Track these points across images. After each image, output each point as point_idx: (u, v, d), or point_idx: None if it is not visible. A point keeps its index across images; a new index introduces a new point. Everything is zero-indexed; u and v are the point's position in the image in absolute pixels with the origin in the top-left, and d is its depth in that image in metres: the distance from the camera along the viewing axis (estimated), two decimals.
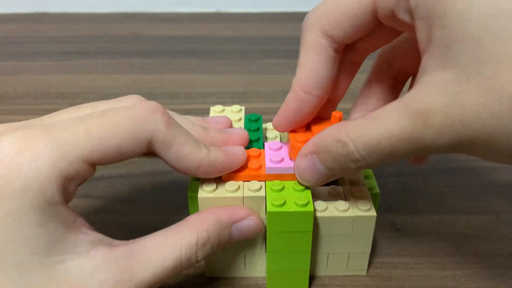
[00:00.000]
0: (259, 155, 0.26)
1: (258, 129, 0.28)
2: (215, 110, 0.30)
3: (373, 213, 0.24)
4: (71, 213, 0.20)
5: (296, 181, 0.24)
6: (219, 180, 0.24)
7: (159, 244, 0.21)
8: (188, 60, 0.56)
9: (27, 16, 0.71)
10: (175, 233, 0.22)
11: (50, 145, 0.19)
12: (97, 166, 0.21)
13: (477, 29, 0.16)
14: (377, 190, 0.26)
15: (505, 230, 0.30)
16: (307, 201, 0.23)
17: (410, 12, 0.19)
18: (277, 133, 0.29)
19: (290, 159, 0.25)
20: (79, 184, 0.21)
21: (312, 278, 0.27)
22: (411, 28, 0.19)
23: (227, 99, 0.47)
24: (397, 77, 0.26)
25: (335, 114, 0.24)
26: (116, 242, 0.21)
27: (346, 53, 0.24)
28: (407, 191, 0.34)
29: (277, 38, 0.63)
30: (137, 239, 0.22)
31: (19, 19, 0.69)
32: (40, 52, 0.58)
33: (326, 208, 0.24)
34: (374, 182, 0.27)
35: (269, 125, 0.30)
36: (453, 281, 0.27)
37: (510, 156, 0.17)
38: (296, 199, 0.23)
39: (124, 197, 0.33)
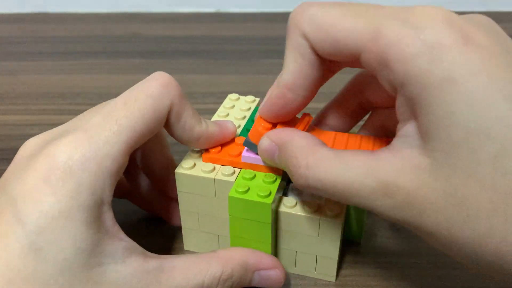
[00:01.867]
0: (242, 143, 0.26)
1: None
2: (231, 98, 0.32)
3: (340, 219, 0.24)
4: (112, 216, 0.22)
5: (268, 174, 0.25)
6: (199, 160, 0.26)
7: (187, 267, 0.23)
8: (188, 60, 0.56)
9: (27, 16, 0.71)
10: (203, 262, 0.23)
11: (94, 146, 0.21)
12: None
13: (458, 138, 0.17)
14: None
15: None
16: (268, 192, 0.24)
17: (391, 84, 0.19)
18: None
19: (250, 140, 0.25)
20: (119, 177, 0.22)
21: None
22: (392, 90, 0.19)
23: None
24: (363, 104, 0.27)
25: (305, 117, 0.26)
26: (149, 254, 0.23)
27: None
28: None
29: (277, 38, 0.63)
30: (168, 256, 0.23)
31: (19, 19, 0.69)
32: (40, 52, 0.58)
33: (295, 204, 0.25)
34: None
35: None
36: (453, 281, 0.27)
37: (461, 258, 0.18)
38: (260, 189, 0.24)
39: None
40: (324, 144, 0.22)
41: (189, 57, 0.57)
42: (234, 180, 0.25)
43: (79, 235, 0.20)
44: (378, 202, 0.19)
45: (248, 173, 0.25)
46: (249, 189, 0.24)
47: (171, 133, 0.25)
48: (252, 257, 0.25)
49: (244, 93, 0.48)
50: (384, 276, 0.27)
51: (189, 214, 0.27)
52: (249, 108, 0.31)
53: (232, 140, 0.27)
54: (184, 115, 0.24)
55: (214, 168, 0.25)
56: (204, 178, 0.25)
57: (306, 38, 0.21)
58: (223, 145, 0.26)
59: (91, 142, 0.21)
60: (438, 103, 0.17)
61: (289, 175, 0.22)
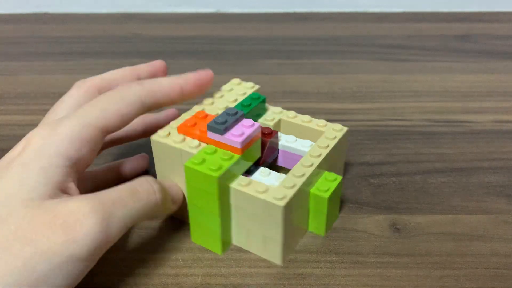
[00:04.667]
0: None
1: (249, 105, 0.31)
2: (233, 82, 0.34)
3: (280, 203, 0.25)
4: (74, 175, 0.24)
5: (225, 151, 0.27)
6: (175, 131, 0.28)
7: (115, 187, 0.24)
8: (188, 60, 0.56)
9: (28, 16, 0.71)
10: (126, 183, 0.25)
11: (72, 117, 0.25)
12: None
13: None
14: (326, 195, 0.28)
15: (505, 230, 0.30)
16: (218, 167, 0.25)
17: None
18: (274, 116, 0.32)
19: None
20: (93, 151, 0.25)
21: (232, 246, 0.29)
22: None
23: None
24: None
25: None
26: None
27: None
28: (407, 191, 0.34)
29: (277, 38, 0.63)
30: None
31: (20, 19, 0.69)
32: (40, 52, 0.58)
33: (248, 183, 0.26)
34: (331, 187, 0.28)
35: (276, 109, 0.33)
36: (453, 281, 0.27)
37: None
38: (212, 163, 0.26)
39: None
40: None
41: (189, 57, 0.57)
42: (195, 152, 0.27)
43: (29, 176, 0.22)
44: None
45: (211, 148, 0.27)
46: (204, 161, 0.26)
47: (163, 105, 0.28)
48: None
49: None
50: (384, 276, 0.27)
51: (164, 178, 0.30)
52: (244, 93, 0.32)
53: (206, 116, 0.29)
54: (156, 88, 0.28)
55: (184, 139, 0.28)
56: (172, 147, 0.28)
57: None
58: (198, 120, 0.28)
59: (66, 117, 0.25)
60: None
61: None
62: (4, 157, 0.24)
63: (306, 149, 0.30)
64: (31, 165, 0.22)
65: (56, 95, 0.47)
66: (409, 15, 0.71)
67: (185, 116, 0.29)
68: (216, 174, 0.25)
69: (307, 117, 0.32)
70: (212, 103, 0.31)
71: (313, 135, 0.31)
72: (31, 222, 0.21)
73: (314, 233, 0.30)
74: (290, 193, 0.26)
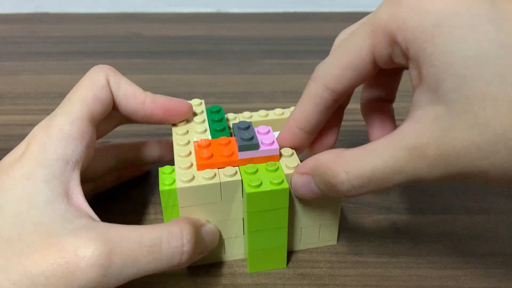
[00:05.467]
0: (229, 142, 0.26)
1: (221, 119, 0.30)
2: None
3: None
4: (76, 178, 0.23)
5: (268, 162, 0.26)
6: (194, 170, 0.25)
7: (138, 228, 0.22)
8: (188, 60, 0.56)
9: (27, 16, 0.71)
10: (155, 225, 0.23)
11: (53, 118, 0.24)
12: None
13: (461, 69, 0.18)
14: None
15: (505, 230, 0.30)
16: (281, 179, 0.25)
17: (404, 54, 0.20)
18: (237, 121, 0.31)
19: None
20: (90, 146, 0.25)
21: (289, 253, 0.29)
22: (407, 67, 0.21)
23: (227, 99, 0.47)
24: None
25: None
26: (99, 220, 0.23)
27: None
28: (407, 191, 0.34)
29: (277, 38, 0.63)
30: None
31: (20, 19, 0.69)
32: (40, 52, 0.58)
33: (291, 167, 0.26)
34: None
35: (230, 115, 0.31)
36: (453, 281, 0.27)
37: (502, 184, 0.19)
38: (271, 178, 0.25)
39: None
40: (344, 148, 0.23)
41: (189, 57, 0.57)
42: (240, 178, 0.25)
43: (36, 192, 0.22)
44: (418, 169, 0.19)
45: (250, 167, 0.25)
46: (261, 180, 0.25)
47: (121, 109, 0.27)
48: (190, 218, 0.25)
49: (244, 93, 0.48)
50: (384, 276, 0.27)
51: None
52: (202, 111, 0.30)
53: (210, 144, 0.26)
54: (122, 83, 0.27)
55: (215, 173, 0.25)
56: (209, 185, 0.25)
57: (326, 86, 0.24)
58: (209, 149, 0.26)
59: (51, 117, 0.24)
60: (433, 50, 0.18)
61: (333, 191, 0.22)
62: (5, 157, 0.24)
63: None
64: (35, 178, 0.22)
65: (56, 95, 0.47)
66: None
67: (181, 153, 0.26)
68: (285, 186, 0.25)
69: (263, 112, 0.31)
70: (187, 131, 0.28)
71: (278, 125, 0.31)
72: (36, 253, 0.20)
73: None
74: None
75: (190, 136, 0.28)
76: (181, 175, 0.25)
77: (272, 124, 0.31)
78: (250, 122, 0.27)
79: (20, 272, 0.20)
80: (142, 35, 0.64)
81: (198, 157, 0.25)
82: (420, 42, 0.19)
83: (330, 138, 0.28)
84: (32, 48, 0.60)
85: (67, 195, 0.23)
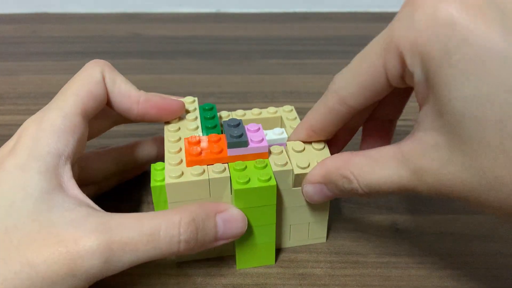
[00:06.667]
0: (219, 139, 0.27)
1: (213, 116, 0.30)
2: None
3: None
4: (69, 170, 0.23)
5: (257, 160, 0.26)
6: (183, 167, 0.25)
7: (140, 215, 0.22)
8: (188, 60, 0.56)
9: (28, 16, 0.71)
10: (157, 212, 0.23)
11: (46, 113, 0.25)
12: None
13: (461, 107, 0.17)
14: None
15: (505, 230, 0.30)
16: (269, 176, 0.25)
17: (411, 76, 0.20)
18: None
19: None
20: (82, 141, 0.25)
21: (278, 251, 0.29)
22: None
23: (227, 99, 0.47)
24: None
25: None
26: (100, 209, 0.23)
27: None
28: None
29: (277, 38, 0.63)
30: None
31: (20, 19, 0.69)
32: (41, 52, 0.58)
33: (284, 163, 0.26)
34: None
35: (223, 113, 0.32)
36: (453, 281, 0.27)
37: (496, 213, 0.19)
38: (259, 175, 0.25)
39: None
40: (352, 152, 0.24)
41: (189, 57, 0.57)
42: (228, 175, 0.25)
43: (31, 182, 0.22)
44: (417, 189, 0.21)
45: (239, 164, 0.26)
46: (249, 177, 0.25)
47: (113, 105, 0.27)
48: (208, 203, 0.25)
49: (244, 93, 0.48)
50: (384, 276, 0.27)
51: None
52: (195, 109, 0.31)
53: (200, 140, 0.27)
54: (117, 81, 0.27)
55: (204, 170, 0.25)
56: (198, 181, 0.25)
57: (343, 101, 0.24)
58: (203, 148, 0.26)
59: (44, 111, 0.25)
60: (438, 80, 0.18)
61: (348, 195, 0.24)
62: None
63: (281, 136, 0.29)
64: (29, 169, 0.22)
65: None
66: None
67: (172, 149, 0.26)
68: (273, 182, 0.25)
69: (256, 110, 0.32)
70: (179, 128, 0.29)
71: (270, 123, 0.31)
72: (35, 242, 0.20)
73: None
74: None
75: (181, 133, 0.28)
76: (170, 171, 0.25)
77: (264, 122, 0.31)
78: (241, 120, 0.28)
79: (21, 261, 0.20)
80: (142, 35, 0.64)
81: (187, 153, 0.26)
82: (427, 68, 0.18)
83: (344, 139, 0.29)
84: (32, 48, 0.60)
85: (62, 187, 0.23)
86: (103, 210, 0.23)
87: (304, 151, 0.27)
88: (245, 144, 0.26)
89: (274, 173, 0.25)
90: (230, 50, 0.59)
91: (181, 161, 0.26)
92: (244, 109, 0.32)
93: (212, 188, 0.25)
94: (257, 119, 0.31)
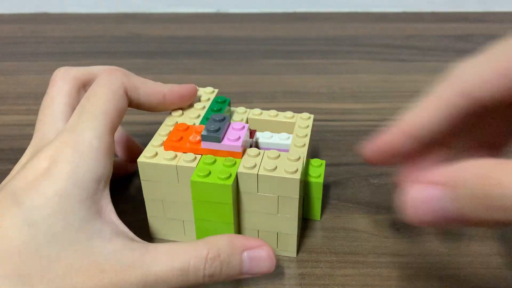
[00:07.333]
0: (202, 131, 0.27)
1: (220, 109, 0.30)
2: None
3: (296, 198, 0.26)
4: (107, 195, 0.24)
5: (227, 158, 0.26)
6: (161, 149, 0.27)
7: (172, 249, 0.23)
8: (188, 60, 0.56)
9: (28, 16, 0.71)
10: (189, 245, 0.23)
11: (80, 135, 0.23)
12: None
13: None
14: (320, 180, 0.28)
15: (505, 230, 0.30)
16: (229, 175, 0.25)
17: None
18: (242, 116, 0.32)
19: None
20: (113, 156, 0.25)
21: None
22: None
23: None
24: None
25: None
26: (136, 238, 0.24)
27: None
28: None
29: (277, 38, 0.63)
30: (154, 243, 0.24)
31: (20, 19, 0.69)
32: (41, 52, 0.58)
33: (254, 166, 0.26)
34: (321, 172, 0.29)
35: (239, 109, 0.32)
36: (453, 281, 0.27)
37: None
38: (220, 172, 0.25)
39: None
40: (501, 159, 0.16)
41: (189, 57, 0.57)
42: (195, 165, 0.26)
43: (71, 211, 0.21)
44: None
45: (209, 158, 0.26)
46: (210, 172, 0.25)
47: (142, 107, 0.28)
48: (238, 237, 0.24)
49: (244, 93, 0.48)
50: (384, 276, 0.27)
51: (154, 202, 0.28)
52: (208, 99, 0.32)
53: (188, 128, 0.28)
54: (138, 84, 0.27)
55: (176, 156, 0.26)
56: (166, 165, 0.26)
57: (465, 93, 0.19)
58: (182, 133, 0.27)
59: (74, 131, 0.24)
60: None
61: (478, 212, 0.16)
62: (19, 174, 0.23)
63: (286, 142, 0.30)
64: (70, 197, 0.22)
65: None
66: (409, 15, 0.71)
67: (162, 132, 0.28)
68: (229, 182, 0.25)
69: (273, 112, 0.32)
70: (182, 113, 0.30)
71: (283, 128, 0.31)
72: (80, 272, 0.21)
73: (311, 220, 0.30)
74: (298, 187, 0.25)
75: (181, 119, 0.29)
76: (147, 151, 0.27)
77: (277, 125, 0.31)
78: (228, 115, 0.28)
79: None
80: (142, 35, 0.64)
81: (168, 138, 0.27)
82: None
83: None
84: (32, 48, 0.60)
85: (100, 213, 0.23)
86: (137, 238, 0.24)
87: (280, 156, 0.26)
88: (217, 139, 0.26)
89: (238, 174, 0.25)
90: (230, 50, 0.59)
91: (162, 143, 0.27)
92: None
93: (180, 175, 0.26)
94: (271, 121, 0.31)
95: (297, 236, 0.28)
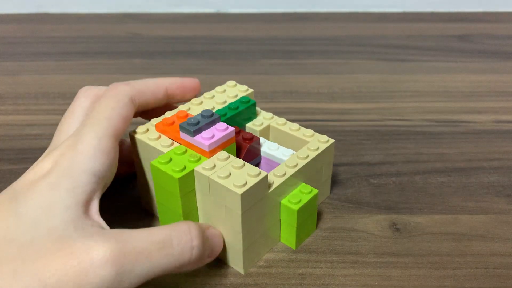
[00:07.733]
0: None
1: (237, 108, 0.31)
2: (228, 84, 0.34)
3: (239, 190, 0.24)
4: (99, 190, 0.24)
5: (193, 153, 0.27)
6: (153, 128, 0.29)
7: (149, 228, 0.23)
8: (188, 60, 0.56)
9: (28, 16, 0.71)
10: (164, 225, 0.24)
11: (87, 132, 0.25)
12: None
13: None
14: (296, 207, 0.27)
15: (505, 230, 0.30)
16: (181, 168, 0.25)
17: None
18: (263, 121, 0.32)
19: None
20: (114, 164, 0.25)
21: None
22: None
23: None
24: None
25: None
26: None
27: None
28: (407, 191, 0.34)
29: (277, 38, 0.63)
30: None
31: (20, 19, 0.69)
32: (41, 52, 0.58)
33: (213, 167, 0.26)
34: (303, 199, 0.28)
35: (267, 114, 0.33)
36: (453, 281, 0.27)
37: None
38: (177, 164, 0.26)
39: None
40: None
41: (189, 57, 0.57)
42: (165, 151, 0.27)
43: (57, 200, 0.22)
44: None
45: (181, 148, 0.27)
46: (170, 160, 0.26)
47: (151, 105, 0.29)
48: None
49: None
50: (384, 276, 0.27)
51: (140, 170, 0.30)
52: (236, 96, 0.32)
53: (186, 116, 0.29)
54: (143, 88, 0.29)
55: (159, 137, 0.28)
56: (144, 143, 0.28)
57: None
58: (176, 119, 0.29)
59: (77, 135, 0.25)
60: None
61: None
62: (24, 176, 0.24)
63: (285, 158, 0.29)
64: (59, 186, 0.22)
65: (56, 95, 0.47)
66: (409, 15, 0.71)
67: (168, 114, 0.30)
68: (177, 175, 0.25)
69: (295, 126, 0.31)
70: (201, 102, 0.31)
71: (298, 144, 0.31)
72: (48, 255, 0.20)
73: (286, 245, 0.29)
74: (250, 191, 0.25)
75: (197, 107, 0.31)
76: (140, 128, 0.29)
77: (289, 139, 0.31)
78: (217, 114, 0.28)
79: (32, 275, 0.20)
80: (142, 35, 0.64)
81: (162, 120, 0.29)
82: None
83: None
84: (32, 48, 0.60)
85: (86, 204, 0.23)
86: (113, 229, 0.23)
87: (244, 166, 0.26)
88: (190, 133, 0.27)
89: (195, 171, 0.26)
90: (230, 50, 0.59)
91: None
92: None
93: (154, 156, 0.27)
94: (288, 134, 0.31)
95: (254, 252, 0.27)
